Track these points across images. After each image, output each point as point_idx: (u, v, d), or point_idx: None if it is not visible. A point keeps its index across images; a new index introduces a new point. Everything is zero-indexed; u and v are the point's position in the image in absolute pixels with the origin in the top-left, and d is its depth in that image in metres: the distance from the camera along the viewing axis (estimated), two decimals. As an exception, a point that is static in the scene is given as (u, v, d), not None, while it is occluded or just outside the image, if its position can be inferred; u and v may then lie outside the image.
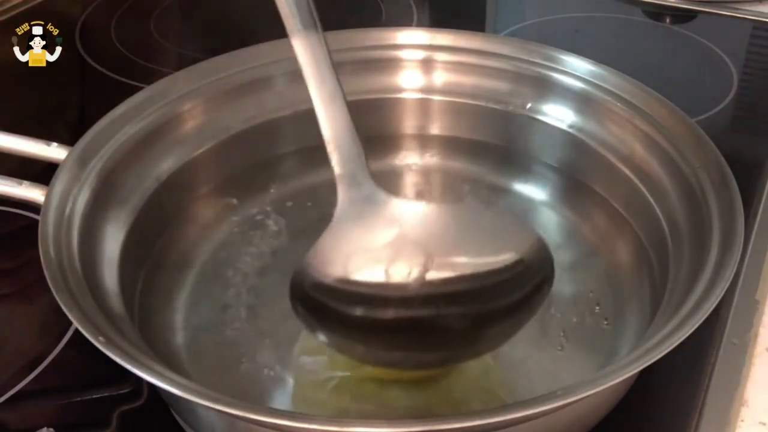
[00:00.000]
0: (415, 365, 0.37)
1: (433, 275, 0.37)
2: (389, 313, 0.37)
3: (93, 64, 0.68)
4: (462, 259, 0.37)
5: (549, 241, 0.44)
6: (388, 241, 0.37)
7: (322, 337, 0.36)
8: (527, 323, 0.36)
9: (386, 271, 0.37)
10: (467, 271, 0.37)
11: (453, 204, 0.42)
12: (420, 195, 0.50)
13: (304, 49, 0.36)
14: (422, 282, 0.36)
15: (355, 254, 0.37)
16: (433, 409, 0.36)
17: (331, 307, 0.36)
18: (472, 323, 0.36)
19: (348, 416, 0.36)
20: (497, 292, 0.36)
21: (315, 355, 0.39)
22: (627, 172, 0.44)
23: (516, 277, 0.36)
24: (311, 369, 0.38)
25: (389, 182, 0.48)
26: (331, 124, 0.36)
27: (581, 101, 0.46)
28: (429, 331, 0.36)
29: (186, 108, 0.46)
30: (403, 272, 0.37)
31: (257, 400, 0.38)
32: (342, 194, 0.37)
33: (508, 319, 0.36)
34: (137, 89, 0.45)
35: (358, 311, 0.37)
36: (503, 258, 0.36)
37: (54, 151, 0.40)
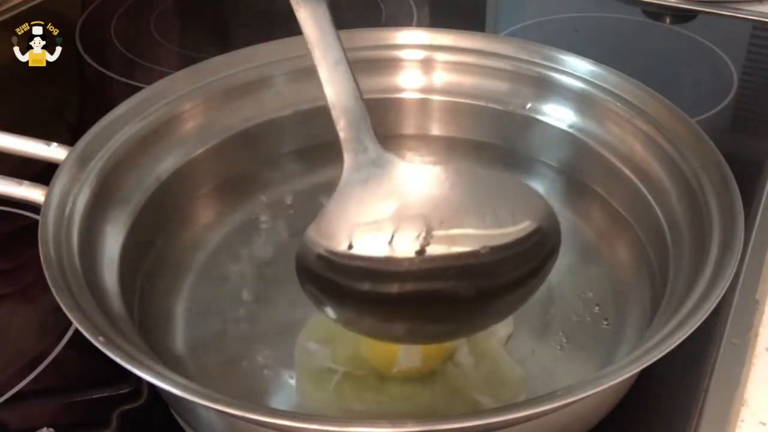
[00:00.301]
0: (424, 338, 0.37)
1: (444, 244, 0.36)
2: (397, 285, 0.36)
3: (93, 64, 0.68)
4: (476, 229, 0.36)
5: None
6: (396, 207, 0.36)
7: (329, 312, 0.35)
8: (535, 293, 0.36)
9: (394, 240, 0.36)
10: (482, 242, 0.36)
11: (462, 165, 0.41)
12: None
13: (307, 17, 0.36)
14: (432, 252, 0.36)
15: (360, 223, 0.36)
16: (434, 405, 0.36)
17: (337, 281, 0.36)
18: (484, 295, 0.36)
19: (350, 413, 0.36)
20: (512, 263, 0.36)
21: (321, 344, 0.39)
22: (627, 172, 0.44)
23: (532, 247, 0.36)
24: (315, 357, 0.38)
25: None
26: (335, 89, 0.36)
27: (581, 101, 0.46)
28: (439, 303, 0.36)
29: (186, 108, 0.46)
30: (411, 240, 0.36)
31: (257, 400, 0.38)
32: (348, 160, 0.36)
33: (519, 289, 0.35)
34: (137, 89, 0.45)
35: (365, 284, 0.36)
36: (521, 227, 0.36)
37: (54, 151, 0.40)
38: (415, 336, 0.36)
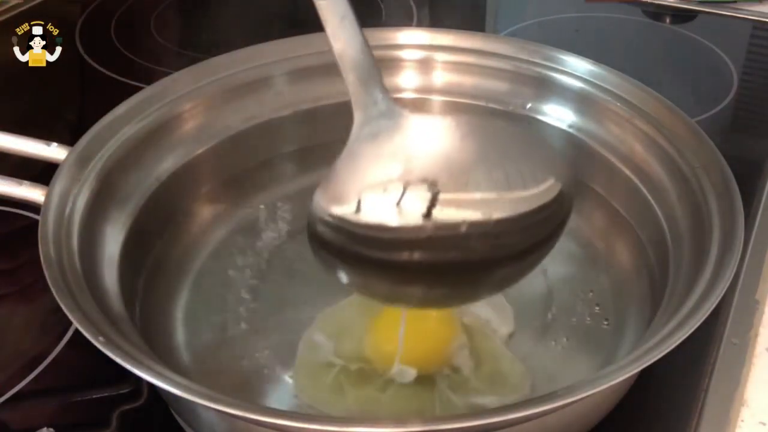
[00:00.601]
0: (436, 302, 0.36)
1: (454, 204, 0.34)
2: (407, 249, 0.35)
3: (93, 64, 0.68)
4: (486, 190, 0.35)
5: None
6: (407, 161, 0.35)
7: (342, 277, 0.35)
8: (543, 259, 0.35)
9: (404, 199, 0.34)
10: (493, 204, 0.35)
11: (476, 117, 0.39)
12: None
13: None
14: (442, 213, 0.34)
15: (369, 181, 0.35)
16: (433, 406, 0.36)
17: (344, 246, 0.35)
18: (496, 259, 0.35)
19: (342, 408, 0.36)
20: (530, 228, 0.35)
21: (327, 337, 0.39)
22: (627, 172, 0.44)
23: (553, 213, 0.35)
24: (318, 349, 0.38)
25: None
26: (342, 43, 0.35)
27: (581, 101, 0.46)
28: (450, 268, 0.35)
29: (186, 108, 0.46)
30: (420, 201, 0.34)
31: (257, 400, 0.38)
32: (357, 115, 0.35)
33: (531, 255, 0.35)
34: (137, 89, 0.45)
35: (373, 248, 0.35)
36: (543, 189, 0.35)
37: (54, 151, 0.40)
38: (426, 300, 0.36)
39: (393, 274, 0.35)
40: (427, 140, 0.35)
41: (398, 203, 0.34)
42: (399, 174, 0.35)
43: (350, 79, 0.35)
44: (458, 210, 0.34)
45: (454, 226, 0.34)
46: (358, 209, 0.34)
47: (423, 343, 0.38)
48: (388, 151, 0.35)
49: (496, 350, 0.39)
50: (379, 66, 0.35)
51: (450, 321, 0.39)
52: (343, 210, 0.34)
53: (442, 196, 0.34)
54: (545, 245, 0.35)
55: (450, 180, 0.35)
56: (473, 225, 0.34)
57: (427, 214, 0.34)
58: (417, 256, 0.35)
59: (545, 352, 0.39)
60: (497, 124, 0.38)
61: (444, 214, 0.34)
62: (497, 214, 0.34)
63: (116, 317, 0.34)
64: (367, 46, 0.35)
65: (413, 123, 0.36)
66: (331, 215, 0.34)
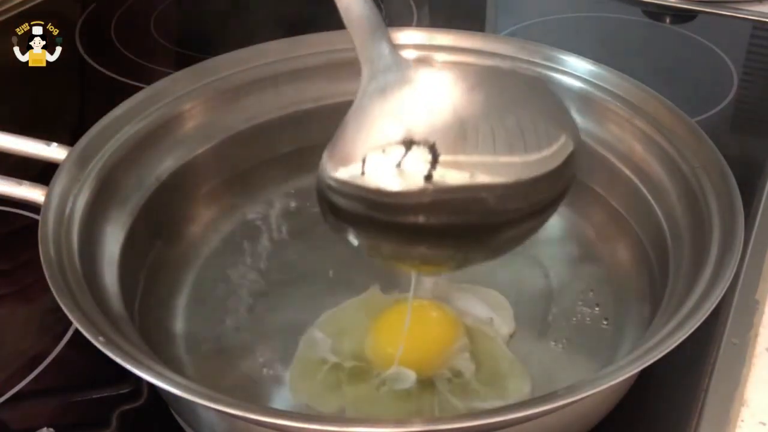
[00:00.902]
0: (442, 263, 0.36)
1: (462, 168, 0.33)
2: (412, 211, 0.34)
3: (93, 64, 0.68)
4: (502, 154, 0.34)
5: (549, 241, 0.45)
6: (415, 118, 0.34)
7: (350, 238, 0.35)
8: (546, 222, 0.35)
9: (409, 161, 0.33)
10: (508, 173, 0.34)
11: (486, 68, 0.38)
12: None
13: None
14: (446, 173, 0.33)
15: (378, 139, 0.34)
16: (431, 407, 0.36)
17: (353, 207, 0.34)
18: (503, 223, 0.35)
19: (340, 404, 0.36)
20: (536, 193, 0.34)
21: (327, 335, 0.39)
22: (627, 172, 0.44)
23: (558, 177, 0.34)
24: (317, 346, 0.39)
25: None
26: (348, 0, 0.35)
27: (581, 101, 0.46)
28: (456, 228, 0.34)
29: (186, 108, 0.46)
30: (425, 162, 0.33)
31: (257, 400, 0.38)
32: (365, 70, 0.35)
33: (535, 219, 0.35)
34: (137, 89, 0.45)
35: (380, 209, 0.34)
36: (552, 152, 0.34)
37: (54, 151, 0.40)
38: (430, 260, 0.36)
39: (398, 235, 0.35)
40: (436, 93, 0.35)
41: (402, 164, 0.33)
42: (406, 129, 0.34)
43: (356, 32, 0.35)
44: (463, 172, 0.34)
45: (459, 189, 0.34)
46: (363, 171, 0.34)
47: (424, 345, 0.38)
48: (396, 105, 0.34)
49: (497, 351, 0.39)
50: (384, 21, 0.35)
51: (452, 323, 0.39)
52: (349, 173, 0.34)
53: (446, 158, 0.33)
54: (549, 209, 0.35)
55: (456, 137, 0.34)
56: (479, 188, 0.34)
57: (430, 177, 0.33)
58: (422, 218, 0.34)
59: (545, 352, 0.39)
60: (507, 74, 0.37)
61: (449, 176, 0.33)
62: (503, 179, 0.34)
63: (116, 317, 0.34)
64: (372, 2, 0.35)
65: (421, 75, 0.35)
66: (337, 180, 0.34)
